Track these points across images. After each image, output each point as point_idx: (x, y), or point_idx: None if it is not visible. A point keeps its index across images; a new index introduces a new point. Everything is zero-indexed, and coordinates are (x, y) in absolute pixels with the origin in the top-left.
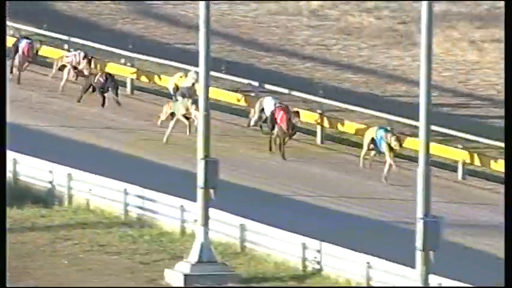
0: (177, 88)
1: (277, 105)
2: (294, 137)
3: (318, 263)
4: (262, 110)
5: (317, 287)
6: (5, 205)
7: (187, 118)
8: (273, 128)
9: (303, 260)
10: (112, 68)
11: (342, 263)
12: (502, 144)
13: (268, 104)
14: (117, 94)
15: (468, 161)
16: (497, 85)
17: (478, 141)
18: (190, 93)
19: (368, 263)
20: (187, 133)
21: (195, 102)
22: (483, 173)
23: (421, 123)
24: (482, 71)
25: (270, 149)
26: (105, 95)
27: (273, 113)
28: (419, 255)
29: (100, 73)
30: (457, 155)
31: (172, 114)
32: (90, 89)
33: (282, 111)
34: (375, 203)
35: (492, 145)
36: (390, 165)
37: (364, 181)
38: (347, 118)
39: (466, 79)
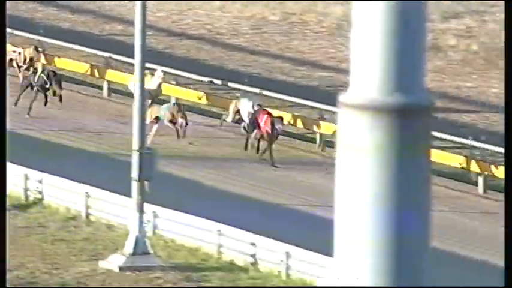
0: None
1: (258, 107)
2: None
3: (40, 192)
4: (237, 111)
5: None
6: (5, 205)
7: (173, 123)
8: (253, 130)
9: (25, 190)
10: None
11: (62, 193)
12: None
13: (245, 105)
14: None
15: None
16: (207, 25)
17: (190, 78)
18: (153, 94)
19: (87, 192)
20: (177, 138)
21: (180, 107)
22: (195, 108)
23: (136, 61)
24: (194, 11)
25: (246, 149)
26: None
27: (255, 116)
28: (135, 185)
29: (41, 70)
30: (171, 91)
31: (157, 118)
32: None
33: (266, 115)
34: (94, 136)
35: (201, 81)
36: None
37: (82, 115)
38: (66, 56)
39: (178, 19)
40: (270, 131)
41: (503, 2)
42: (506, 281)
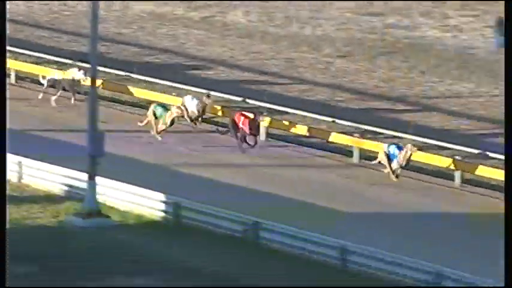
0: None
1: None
2: None
3: None
4: (186, 109)
5: None
6: (5, 205)
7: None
8: (234, 132)
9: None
10: None
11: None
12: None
13: (190, 102)
14: None
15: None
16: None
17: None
18: (64, 85)
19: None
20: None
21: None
22: None
23: None
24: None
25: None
26: None
27: (233, 119)
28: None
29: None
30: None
31: (155, 116)
32: None
33: (242, 116)
34: None
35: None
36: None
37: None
38: None
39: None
40: (248, 130)
41: None
42: (506, 281)
